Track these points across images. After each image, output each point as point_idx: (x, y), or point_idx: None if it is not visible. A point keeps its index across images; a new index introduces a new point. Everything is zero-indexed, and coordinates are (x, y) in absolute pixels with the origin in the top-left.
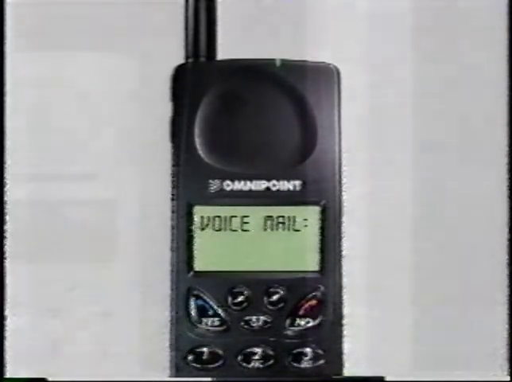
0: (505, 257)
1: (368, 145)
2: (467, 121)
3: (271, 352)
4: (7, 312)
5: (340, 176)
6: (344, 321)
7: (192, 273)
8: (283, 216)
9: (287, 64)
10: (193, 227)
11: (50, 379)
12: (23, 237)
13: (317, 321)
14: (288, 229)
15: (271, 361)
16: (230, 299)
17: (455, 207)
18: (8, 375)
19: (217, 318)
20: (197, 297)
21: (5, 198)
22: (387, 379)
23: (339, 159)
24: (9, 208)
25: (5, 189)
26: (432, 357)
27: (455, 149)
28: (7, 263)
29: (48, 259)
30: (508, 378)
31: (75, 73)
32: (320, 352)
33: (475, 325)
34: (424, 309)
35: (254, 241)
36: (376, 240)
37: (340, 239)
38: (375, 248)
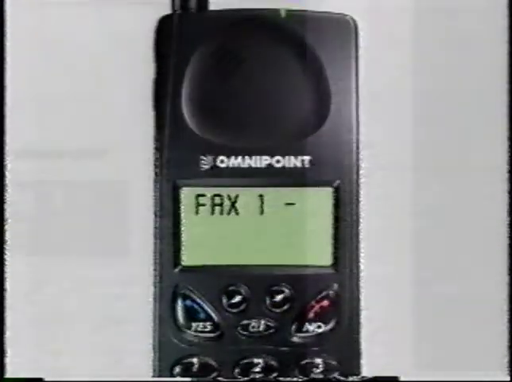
0: (505, 256)
1: None
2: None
3: (274, 364)
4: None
5: (358, 151)
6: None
7: (179, 268)
8: (289, 200)
9: (294, 15)
10: (181, 212)
11: (48, 379)
12: (22, 226)
13: (330, 326)
14: (295, 215)
15: (274, 374)
16: (225, 300)
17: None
18: (8, 375)
19: (209, 323)
20: (185, 297)
21: (5, 199)
22: (401, 379)
23: (357, 130)
24: (8, 191)
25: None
26: (432, 357)
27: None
28: (7, 257)
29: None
30: (508, 378)
31: (82, 34)
32: (334, 363)
33: (475, 325)
34: (424, 309)
35: (254, 230)
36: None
37: (357, 227)
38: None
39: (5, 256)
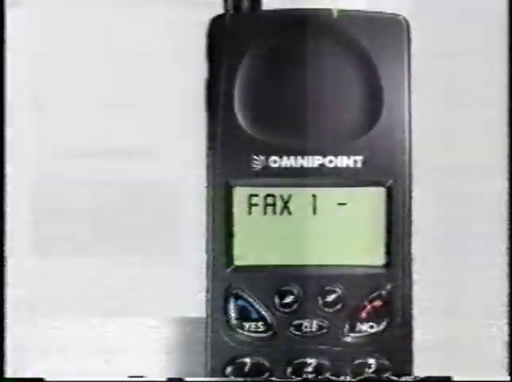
0: (505, 256)
1: None
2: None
3: (327, 364)
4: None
5: (410, 150)
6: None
7: (231, 268)
8: (341, 200)
9: (346, 15)
10: (233, 212)
11: (48, 379)
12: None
13: (382, 326)
14: (348, 215)
15: (327, 374)
16: (277, 300)
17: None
18: (8, 375)
19: (262, 323)
20: (238, 297)
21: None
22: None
23: (409, 130)
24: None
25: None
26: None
27: None
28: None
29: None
30: (508, 378)
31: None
32: (386, 363)
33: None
34: (425, 307)
35: (306, 230)
36: None
37: (410, 226)
38: None
39: (5, 256)
